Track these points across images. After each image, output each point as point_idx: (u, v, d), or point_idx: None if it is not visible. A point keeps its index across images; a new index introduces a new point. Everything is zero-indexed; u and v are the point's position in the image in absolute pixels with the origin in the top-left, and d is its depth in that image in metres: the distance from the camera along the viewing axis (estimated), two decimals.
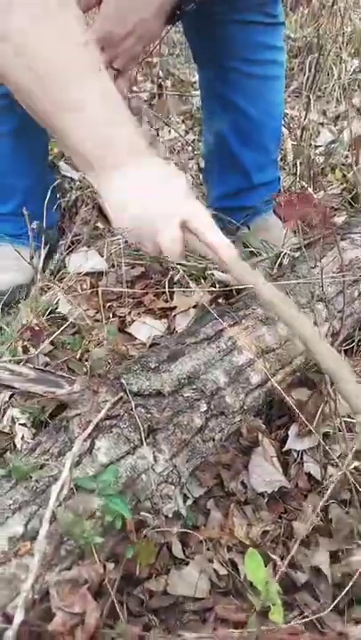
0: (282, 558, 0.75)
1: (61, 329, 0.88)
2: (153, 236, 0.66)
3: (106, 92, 0.63)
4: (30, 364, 0.71)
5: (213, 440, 0.72)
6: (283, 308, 0.67)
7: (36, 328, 0.88)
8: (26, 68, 0.59)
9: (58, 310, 1.06)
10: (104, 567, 0.52)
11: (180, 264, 1.17)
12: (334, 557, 0.75)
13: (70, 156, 0.69)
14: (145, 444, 0.62)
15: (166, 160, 0.71)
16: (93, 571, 0.50)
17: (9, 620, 0.50)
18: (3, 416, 0.89)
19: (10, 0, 0.56)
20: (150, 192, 0.65)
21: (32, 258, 0.95)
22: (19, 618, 0.49)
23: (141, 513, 0.62)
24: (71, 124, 0.62)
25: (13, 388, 0.63)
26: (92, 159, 0.64)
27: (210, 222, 0.66)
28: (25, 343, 0.88)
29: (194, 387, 0.70)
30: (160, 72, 1.87)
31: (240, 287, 1.00)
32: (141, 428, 0.62)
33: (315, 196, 1.31)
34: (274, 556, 0.73)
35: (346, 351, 1.02)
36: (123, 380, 0.66)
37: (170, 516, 0.66)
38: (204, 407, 0.70)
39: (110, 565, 0.53)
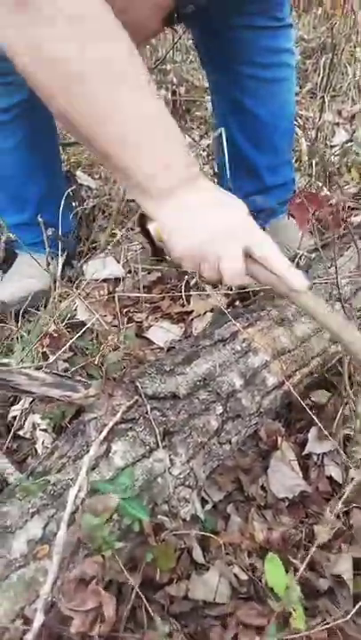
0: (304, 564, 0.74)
1: (79, 334, 0.89)
2: (214, 263, 0.64)
3: (161, 117, 0.62)
4: (49, 369, 0.72)
5: (230, 443, 0.71)
6: (351, 337, 0.64)
7: (55, 334, 0.89)
8: (79, 96, 0.58)
9: (76, 317, 1.08)
10: (103, 558, 0.52)
11: None
12: (357, 564, 0.74)
13: (122, 183, 0.68)
14: (161, 446, 0.62)
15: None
16: (96, 564, 0.50)
17: (29, 622, 0.50)
18: (24, 422, 0.91)
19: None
20: (211, 218, 0.63)
21: (48, 265, 0.96)
22: (38, 620, 0.49)
23: (159, 516, 0.62)
24: (126, 152, 0.61)
25: (31, 392, 0.64)
26: (148, 186, 0.62)
27: (276, 250, 0.65)
28: (44, 349, 0.90)
29: (209, 389, 0.70)
30: (174, 78, 1.89)
31: (256, 289, 1.00)
32: (157, 431, 0.62)
33: (329, 195, 1.30)
34: (295, 561, 0.72)
35: None
36: (138, 384, 0.67)
37: (188, 519, 0.66)
38: (219, 410, 0.69)
39: (108, 553, 0.52)
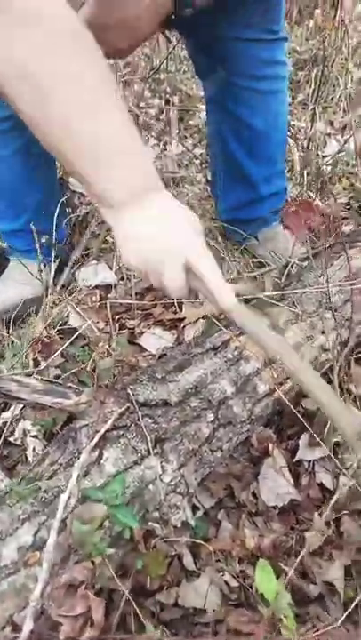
0: (295, 570, 0.75)
1: (70, 340, 0.89)
2: (158, 274, 0.66)
3: (117, 127, 0.63)
4: (40, 376, 0.72)
5: (221, 450, 0.72)
6: (288, 357, 0.65)
7: (47, 341, 0.89)
8: (34, 97, 0.58)
9: (68, 323, 1.08)
10: (93, 563, 0.52)
11: None
12: (346, 571, 0.74)
13: (84, 189, 0.69)
14: (152, 454, 0.62)
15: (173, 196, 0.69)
16: (85, 569, 0.50)
17: (18, 629, 0.50)
18: (14, 429, 0.90)
19: (12, 35, 0.55)
20: (155, 233, 0.65)
21: (40, 272, 0.96)
22: (27, 627, 0.49)
23: (150, 523, 0.62)
24: (80, 161, 0.62)
25: (22, 399, 0.64)
26: (103, 196, 0.64)
27: (212, 267, 0.66)
28: (36, 355, 0.90)
29: (201, 396, 0.71)
30: (167, 88, 1.91)
31: (249, 297, 1.01)
32: (148, 438, 0.63)
33: (320, 204, 1.31)
34: (286, 568, 0.73)
35: (357, 360, 1.01)
36: (129, 391, 0.67)
37: (179, 526, 0.66)
38: (211, 417, 0.70)
39: (98, 559, 0.53)
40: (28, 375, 0.73)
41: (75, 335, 0.95)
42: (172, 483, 0.64)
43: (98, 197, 0.65)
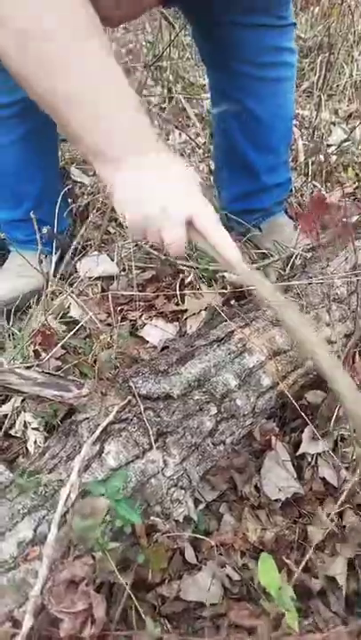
0: (297, 564, 0.74)
1: (72, 332, 0.88)
2: (157, 232, 0.64)
3: (108, 77, 0.61)
4: (40, 369, 0.71)
5: (224, 443, 0.71)
6: (285, 311, 0.64)
7: (47, 332, 0.88)
8: (28, 53, 0.57)
9: (69, 315, 1.07)
10: (93, 558, 0.51)
11: (190, 266, 1.17)
12: (349, 564, 0.73)
13: (74, 145, 0.67)
14: (154, 447, 0.62)
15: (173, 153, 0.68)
16: (86, 565, 0.49)
17: (18, 624, 0.49)
18: (15, 421, 0.90)
19: None
20: (154, 186, 0.63)
21: (41, 262, 0.95)
22: (27, 623, 0.48)
23: (151, 517, 0.61)
24: (71, 111, 0.61)
25: (22, 392, 0.63)
26: (96, 150, 0.63)
27: (216, 221, 0.65)
28: (36, 347, 0.89)
29: (204, 389, 0.69)
30: (170, 76, 1.88)
31: (252, 289, 0.99)
32: (150, 432, 0.62)
33: (333, 200, 1.29)
34: (288, 562, 0.72)
35: None
36: (131, 384, 0.66)
37: (181, 520, 0.65)
38: (214, 410, 0.69)
39: (99, 554, 0.52)
40: (29, 367, 0.72)
41: (76, 327, 0.94)
42: (175, 477, 0.63)
43: (94, 151, 0.63)
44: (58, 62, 0.59)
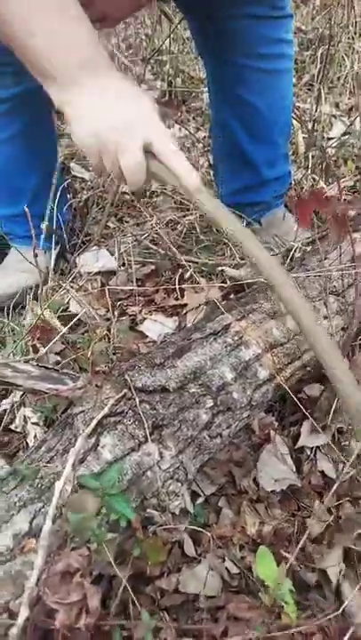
0: (295, 557, 0.74)
1: (67, 326, 0.88)
2: (114, 156, 0.62)
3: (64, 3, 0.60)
4: (39, 363, 0.71)
5: (221, 436, 0.71)
6: (247, 242, 0.63)
7: (47, 327, 0.89)
8: None
9: (69, 310, 1.07)
10: (89, 550, 0.51)
11: (190, 261, 1.16)
12: (347, 555, 0.73)
13: (29, 69, 0.65)
14: (150, 440, 0.62)
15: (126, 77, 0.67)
16: (81, 556, 0.50)
17: (14, 616, 0.50)
18: (15, 415, 0.90)
19: None
20: (113, 108, 0.62)
21: (36, 256, 0.95)
22: (23, 614, 0.49)
23: (148, 510, 0.61)
24: (23, 31, 0.60)
25: (17, 385, 0.63)
26: (49, 70, 0.61)
27: (174, 147, 0.63)
28: (35, 342, 0.89)
29: (200, 382, 0.69)
30: (170, 69, 1.87)
31: (251, 282, 0.99)
32: (146, 425, 0.62)
33: (332, 193, 1.28)
34: (287, 554, 0.72)
35: None
36: (127, 377, 0.66)
37: (177, 513, 0.65)
38: (210, 403, 0.69)
39: (94, 546, 0.52)
40: (27, 362, 0.72)
41: (72, 321, 0.94)
42: (171, 469, 0.63)
43: (47, 72, 0.62)
44: None
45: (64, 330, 0.85)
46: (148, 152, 0.62)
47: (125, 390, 0.64)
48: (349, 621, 0.65)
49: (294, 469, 0.84)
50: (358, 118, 1.38)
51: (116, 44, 1.95)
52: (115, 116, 0.62)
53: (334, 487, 0.58)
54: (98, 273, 1.18)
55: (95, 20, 0.74)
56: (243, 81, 1.11)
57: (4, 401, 0.91)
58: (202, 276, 1.15)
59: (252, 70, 1.10)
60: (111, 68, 0.64)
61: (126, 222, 1.32)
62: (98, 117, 0.62)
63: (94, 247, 1.24)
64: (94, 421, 0.59)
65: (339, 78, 1.89)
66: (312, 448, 0.86)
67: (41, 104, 0.73)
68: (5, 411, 0.90)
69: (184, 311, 1.11)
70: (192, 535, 0.76)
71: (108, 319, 1.04)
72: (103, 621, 0.57)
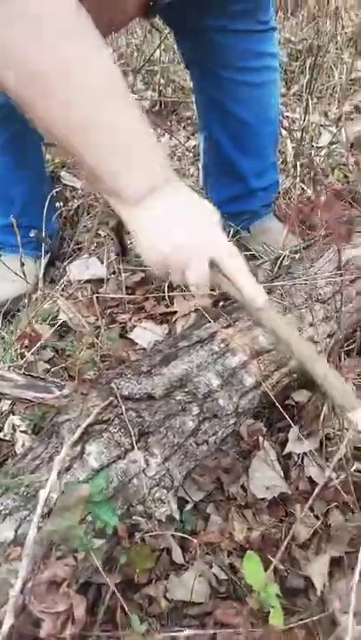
0: (283, 562, 0.75)
1: (50, 331, 0.89)
2: (180, 273, 0.64)
3: (136, 115, 0.60)
4: (25, 371, 0.72)
5: (207, 443, 0.71)
6: (315, 363, 0.64)
7: (34, 335, 0.89)
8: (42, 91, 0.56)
9: (59, 318, 1.07)
10: (75, 559, 0.52)
11: None
12: (335, 564, 0.74)
13: (94, 184, 0.66)
14: (136, 447, 0.62)
15: (190, 188, 0.66)
16: (66, 565, 0.50)
17: None
18: (3, 424, 0.90)
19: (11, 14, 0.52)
20: (178, 228, 0.63)
21: (22, 265, 0.95)
22: (8, 622, 0.49)
23: (134, 517, 0.62)
24: (90, 155, 0.59)
25: (3, 393, 0.63)
26: (118, 192, 0.62)
27: (242, 264, 0.65)
28: (22, 350, 0.89)
29: (186, 389, 0.70)
30: (160, 79, 1.89)
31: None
32: (132, 432, 0.62)
33: (316, 198, 1.30)
34: (274, 560, 0.72)
35: (348, 353, 1.00)
36: (113, 385, 0.66)
37: (163, 520, 0.66)
38: (196, 410, 0.69)
39: (81, 555, 0.53)
40: (11, 369, 0.73)
41: (55, 327, 0.95)
42: (157, 477, 0.64)
43: (115, 194, 0.63)
44: (69, 107, 0.57)
45: (47, 335, 0.85)
46: (214, 265, 0.64)
47: (111, 398, 0.65)
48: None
49: (282, 475, 0.85)
50: (343, 127, 1.40)
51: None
52: (182, 237, 0.63)
53: (316, 490, 0.59)
54: (88, 281, 1.19)
55: (104, 27, 0.75)
56: (228, 93, 1.13)
57: None
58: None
59: (238, 83, 1.12)
60: (176, 180, 0.64)
61: (112, 229, 1.33)
62: (165, 236, 0.63)
63: (85, 255, 1.24)
64: (80, 429, 0.59)
65: (327, 88, 1.92)
66: (299, 454, 0.87)
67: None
68: None
69: (174, 319, 1.11)
70: (180, 542, 0.76)
71: (99, 327, 1.05)
72: (89, 631, 0.58)
